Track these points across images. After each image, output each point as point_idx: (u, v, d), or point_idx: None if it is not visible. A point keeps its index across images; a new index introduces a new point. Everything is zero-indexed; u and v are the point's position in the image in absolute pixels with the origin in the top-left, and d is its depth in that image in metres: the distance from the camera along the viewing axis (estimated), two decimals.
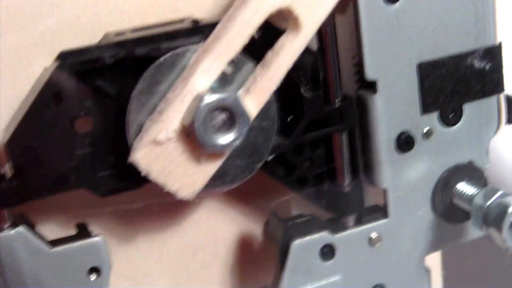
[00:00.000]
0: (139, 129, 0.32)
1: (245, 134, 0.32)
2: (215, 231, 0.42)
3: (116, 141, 0.33)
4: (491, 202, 0.37)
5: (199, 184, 0.33)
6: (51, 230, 0.37)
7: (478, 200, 0.37)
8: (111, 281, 0.39)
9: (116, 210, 0.38)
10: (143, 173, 0.32)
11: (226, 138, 0.32)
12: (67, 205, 0.37)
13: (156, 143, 0.32)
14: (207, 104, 0.31)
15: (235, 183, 0.34)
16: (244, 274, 0.43)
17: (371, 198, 0.40)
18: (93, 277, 0.34)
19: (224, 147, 0.32)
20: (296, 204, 0.41)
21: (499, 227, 0.36)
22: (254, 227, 0.42)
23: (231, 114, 0.32)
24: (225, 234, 0.42)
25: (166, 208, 0.40)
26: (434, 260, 0.47)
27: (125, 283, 0.41)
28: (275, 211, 0.39)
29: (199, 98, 0.31)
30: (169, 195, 0.33)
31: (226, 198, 0.41)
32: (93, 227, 0.37)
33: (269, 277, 0.40)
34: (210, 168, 0.33)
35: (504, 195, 0.37)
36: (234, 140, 0.32)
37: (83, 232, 0.35)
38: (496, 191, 0.37)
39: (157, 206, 0.38)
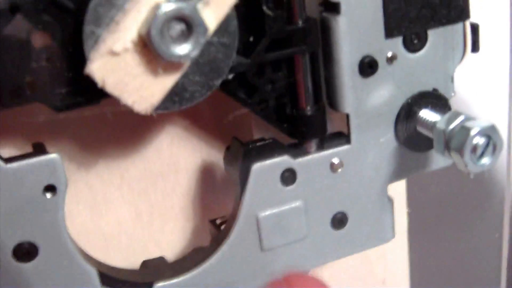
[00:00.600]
0: (96, 41, 0.31)
1: (201, 45, 0.31)
2: (177, 159, 0.41)
3: (74, 57, 0.33)
4: (454, 126, 0.36)
5: (156, 97, 0.32)
6: (9, 153, 0.36)
7: (440, 125, 0.37)
8: (72, 209, 0.39)
9: (72, 128, 0.37)
10: (99, 84, 0.31)
11: (183, 48, 0.31)
12: (24, 125, 0.37)
13: (113, 53, 0.31)
14: (165, 13, 0.30)
15: (194, 101, 0.34)
16: (205, 203, 0.43)
17: (334, 126, 0.40)
18: (48, 195, 0.34)
19: (180, 57, 0.31)
20: (258, 129, 0.40)
21: (460, 151, 0.36)
22: (216, 156, 0.42)
23: (189, 25, 0.31)
24: (187, 162, 0.42)
25: (125, 132, 0.39)
26: (399, 191, 0.47)
27: (85, 210, 0.40)
28: (237, 136, 0.39)
29: (156, 6, 0.30)
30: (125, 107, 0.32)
31: (189, 126, 0.41)
32: (52, 152, 0.36)
33: (230, 206, 0.39)
34: (168, 81, 0.32)
35: (466, 119, 0.36)
36: (191, 51, 0.31)
37: (39, 151, 0.35)
38: (458, 115, 0.37)
39: (111, 115, 0.37)
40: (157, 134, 0.40)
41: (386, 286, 0.50)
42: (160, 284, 0.37)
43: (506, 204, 0.52)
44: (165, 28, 0.30)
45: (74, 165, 0.39)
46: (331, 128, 0.39)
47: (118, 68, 0.31)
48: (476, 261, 0.58)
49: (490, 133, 0.36)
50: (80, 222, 0.40)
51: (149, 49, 0.31)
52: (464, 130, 0.36)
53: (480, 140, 0.36)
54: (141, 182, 0.41)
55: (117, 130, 0.39)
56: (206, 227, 0.42)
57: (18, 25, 0.32)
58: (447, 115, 0.37)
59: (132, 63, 0.31)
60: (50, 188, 0.34)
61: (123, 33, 0.31)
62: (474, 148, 0.36)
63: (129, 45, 0.31)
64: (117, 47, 0.31)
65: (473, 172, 0.36)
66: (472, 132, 0.35)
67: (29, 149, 0.36)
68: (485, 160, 0.36)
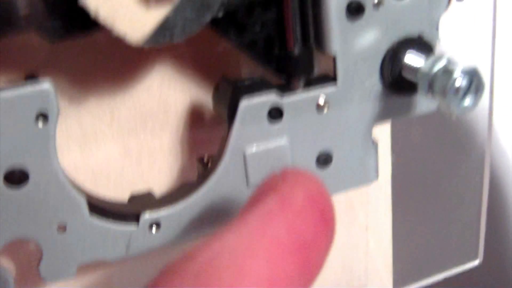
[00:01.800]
0: None
1: None
2: (167, 99, 0.42)
3: None
4: (437, 69, 0.37)
5: (148, 29, 0.33)
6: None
7: (424, 68, 0.38)
8: (62, 145, 0.39)
9: (65, 60, 0.38)
10: (92, 14, 0.32)
11: None
12: (17, 58, 0.37)
13: None
14: None
15: (184, 36, 0.35)
16: (194, 142, 0.43)
17: (321, 69, 0.41)
18: (40, 124, 0.34)
19: None
20: (247, 70, 0.41)
21: (443, 93, 0.37)
22: (205, 97, 0.43)
23: None
24: (177, 102, 0.42)
25: (117, 69, 0.40)
26: (383, 139, 0.48)
27: (75, 146, 0.41)
28: (225, 75, 0.40)
29: None
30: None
31: (179, 66, 0.41)
32: None
33: (217, 146, 0.40)
34: (159, 12, 0.33)
35: (450, 62, 0.37)
36: None
37: (32, 81, 0.35)
38: (442, 58, 0.38)
39: (107, 47, 0.38)
40: (148, 73, 0.41)
41: (369, 233, 0.52)
42: (148, 214, 0.38)
43: (486, 149, 0.53)
44: None
45: (66, 100, 0.40)
46: (318, 72, 0.40)
47: None
48: (457, 204, 0.59)
49: (472, 75, 0.37)
50: (70, 158, 0.41)
51: None
52: (447, 72, 0.37)
53: (462, 82, 0.36)
54: (131, 121, 0.42)
55: (109, 68, 0.40)
56: (194, 165, 0.43)
57: None
58: (431, 59, 0.38)
59: None
60: (42, 117, 0.34)
61: None
62: (457, 89, 0.36)
63: None
64: None
65: (456, 114, 0.37)
66: (455, 74, 0.36)
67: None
68: (468, 102, 0.37)
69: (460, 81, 0.37)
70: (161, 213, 0.38)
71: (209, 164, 0.41)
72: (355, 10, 0.38)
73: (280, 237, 0.29)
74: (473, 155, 0.56)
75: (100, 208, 0.38)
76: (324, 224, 0.32)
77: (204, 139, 0.44)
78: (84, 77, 0.40)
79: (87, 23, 0.33)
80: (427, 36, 0.40)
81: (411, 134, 0.54)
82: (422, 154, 0.56)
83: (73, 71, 0.39)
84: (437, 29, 0.41)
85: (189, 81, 0.42)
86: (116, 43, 0.34)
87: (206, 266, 0.28)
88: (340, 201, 0.47)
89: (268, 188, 0.32)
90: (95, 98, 0.41)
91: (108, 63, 0.40)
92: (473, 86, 0.37)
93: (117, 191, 0.43)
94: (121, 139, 0.42)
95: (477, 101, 0.37)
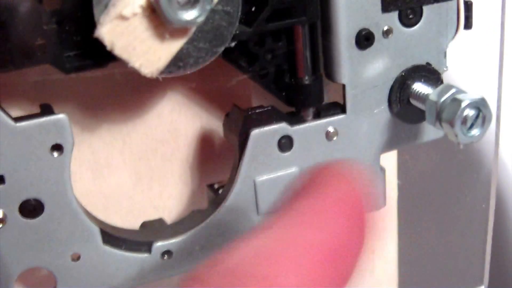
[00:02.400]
0: (106, 6, 0.33)
1: (207, 11, 0.33)
2: (178, 125, 0.43)
3: (83, 20, 0.34)
4: (445, 98, 0.38)
5: (163, 61, 0.34)
6: (17, 114, 0.37)
7: (433, 97, 0.38)
8: (75, 171, 0.40)
9: (79, 91, 0.39)
10: (108, 47, 0.33)
11: (189, 14, 0.32)
12: (32, 87, 0.38)
13: (122, 18, 0.32)
14: None
15: (198, 66, 0.35)
16: (204, 169, 0.44)
17: (331, 97, 0.41)
18: (55, 154, 0.35)
19: (187, 23, 0.32)
20: (257, 99, 0.41)
21: (451, 122, 0.37)
22: (215, 124, 0.43)
23: None
24: (187, 128, 0.43)
25: (129, 97, 0.40)
26: (390, 163, 0.49)
27: (87, 172, 0.42)
28: (237, 104, 0.40)
29: None
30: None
31: (190, 93, 0.42)
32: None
33: (227, 173, 0.41)
34: (174, 45, 0.33)
35: (458, 92, 0.38)
36: (197, 17, 0.32)
37: (47, 111, 0.36)
38: (450, 87, 0.38)
39: (120, 76, 0.39)
40: (159, 100, 0.41)
41: (375, 256, 0.52)
42: (159, 243, 0.38)
43: (493, 176, 0.53)
44: None
45: (79, 128, 0.40)
46: (327, 98, 0.41)
47: (126, 32, 0.32)
48: (463, 230, 0.59)
49: (480, 106, 0.37)
50: (82, 184, 0.41)
51: (157, 14, 0.32)
52: (455, 102, 0.37)
53: (470, 112, 0.37)
54: (142, 147, 0.42)
55: (120, 96, 0.40)
56: (203, 192, 0.44)
57: None
58: (440, 88, 0.39)
59: (140, 28, 0.33)
60: (57, 147, 0.35)
61: None
62: (465, 119, 0.37)
63: (138, 10, 0.32)
64: (127, 12, 0.32)
65: (463, 143, 0.38)
66: (463, 104, 0.37)
67: (36, 111, 0.37)
68: (475, 132, 0.38)
69: (468, 111, 0.37)
70: (172, 242, 0.39)
71: (220, 191, 0.42)
72: (364, 39, 0.39)
73: (312, 240, 0.28)
74: (479, 181, 0.56)
75: (113, 236, 0.38)
76: (357, 230, 0.30)
77: (215, 166, 0.44)
78: (97, 105, 0.40)
79: (102, 55, 0.34)
80: (435, 64, 0.41)
81: (417, 160, 0.55)
82: (428, 179, 0.57)
83: (86, 99, 0.40)
84: (444, 56, 0.41)
85: (200, 108, 0.43)
86: (128, 72, 0.34)
87: (231, 273, 0.26)
88: None
89: (305, 187, 0.30)
90: (107, 125, 0.41)
91: (120, 90, 0.40)
92: (480, 116, 0.37)
93: (128, 217, 0.43)
94: (132, 165, 0.43)
95: (484, 130, 0.38)
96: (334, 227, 0.28)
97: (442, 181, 0.57)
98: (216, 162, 0.44)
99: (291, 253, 0.27)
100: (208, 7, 0.33)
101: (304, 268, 0.27)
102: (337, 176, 0.31)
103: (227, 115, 0.41)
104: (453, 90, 0.38)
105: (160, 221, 0.42)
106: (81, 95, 0.40)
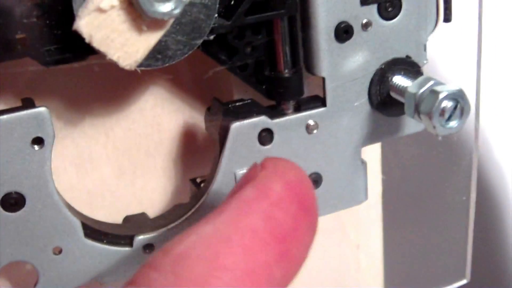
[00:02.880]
0: None
1: (184, 4, 0.33)
2: (160, 120, 0.43)
3: (63, 14, 0.34)
4: (424, 90, 0.38)
5: (141, 53, 0.34)
6: None
7: (411, 89, 0.39)
8: (58, 166, 0.40)
9: (61, 85, 0.39)
10: (86, 40, 0.33)
11: (166, 7, 0.33)
12: (13, 82, 0.38)
13: (100, 10, 0.32)
14: None
15: (176, 59, 0.35)
16: (187, 163, 0.44)
17: (310, 92, 0.42)
18: (36, 147, 0.35)
19: (164, 15, 0.33)
20: (237, 93, 0.42)
21: (429, 114, 0.37)
22: (197, 118, 0.43)
23: None
24: (170, 123, 0.43)
25: (111, 92, 0.41)
26: (373, 157, 0.49)
27: (70, 167, 0.42)
28: (217, 97, 0.40)
29: None
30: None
31: (173, 87, 0.42)
32: None
33: (210, 167, 0.41)
34: (152, 38, 0.34)
35: (436, 84, 0.38)
36: (173, 9, 0.33)
37: (28, 105, 0.36)
38: (429, 79, 0.38)
39: (98, 67, 0.39)
40: (142, 95, 0.42)
41: (360, 251, 0.52)
42: (141, 237, 0.39)
43: (473, 168, 0.54)
44: None
45: (61, 122, 0.40)
46: (308, 92, 0.41)
47: (104, 24, 0.33)
48: (445, 221, 0.60)
49: (458, 97, 0.37)
50: (65, 179, 0.42)
51: (134, 7, 0.32)
52: (433, 94, 0.38)
53: (448, 104, 0.37)
54: (125, 141, 0.42)
55: (103, 90, 0.41)
56: (186, 187, 0.44)
57: None
58: (418, 80, 0.39)
59: (118, 20, 0.33)
60: (38, 140, 0.35)
61: None
62: (442, 111, 0.37)
63: (116, 2, 0.32)
64: (104, 4, 0.32)
65: (441, 135, 0.38)
66: (441, 96, 0.37)
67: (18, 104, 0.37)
68: (453, 123, 0.38)
69: (445, 103, 0.37)
70: (154, 235, 0.39)
71: (202, 185, 0.42)
72: (343, 32, 0.39)
73: (256, 226, 0.29)
74: (460, 173, 0.56)
75: (95, 230, 0.38)
76: (304, 213, 0.31)
77: (198, 160, 0.44)
78: (79, 99, 0.41)
79: (81, 48, 0.34)
80: (414, 57, 0.41)
81: (400, 154, 0.55)
82: (411, 173, 0.57)
83: (68, 93, 0.40)
84: (424, 50, 0.42)
85: (182, 102, 0.43)
86: (110, 66, 0.35)
87: (181, 258, 0.28)
88: (331, 220, 0.47)
89: (247, 178, 0.32)
90: (90, 120, 0.41)
91: (102, 85, 0.41)
92: (458, 108, 0.38)
93: (111, 211, 0.43)
94: (115, 160, 0.43)
95: (462, 122, 0.38)
96: (280, 210, 0.30)
97: (424, 175, 0.58)
98: (199, 156, 0.44)
99: (237, 237, 0.28)
100: (185, 0, 0.33)
101: (249, 249, 0.28)
102: (284, 163, 0.32)
103: (208, 110, 0.41)
104: (431, 82, 0.38)
105: (142, 215, 0.42)
106: (64, 90, 0.40)
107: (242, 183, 0.32)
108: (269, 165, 0.32)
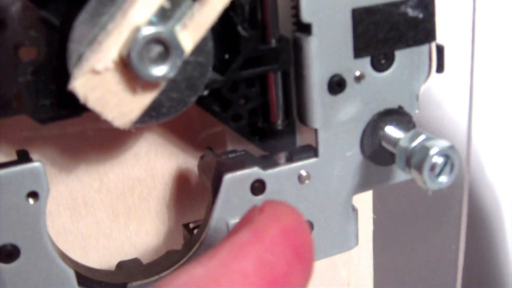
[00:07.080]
0: (80, 59, 0.33)
1: (178, 67, 0.33)
2: (154, 165, 0.43)
3: (58, 71, 0.35)
4: (415, 145, 0.39)
5: (135, 113, 0.34)
6: None
7: (402, 143, 0.39)
8: (52, 210, 0.41)
9: (56, 135, 0.39)
10: (81, 100, 0.33)
11: (160, 70, 0.33)
12: (7, 133, 0.39)
13: (95, 72, 0.33)
14: (144, 36, 0.32)
15: (171, 115, 0.36)
16: (180, 208, 0.45)
17: (303, 140, 0.42)
18: (31, 201, 0.36)
19: (158, 78, 0.33)
20: (231, 141, 0.42)
21: (420, 169, 0.38)
22: (191, 163, 0.44)
23: (167, 47, 0.33)
24: (164, 168, 0.44)
25: (106, 139, 0.41)
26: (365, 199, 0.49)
27: (65, 212, 0.42)
28: (211, 147, 0.41)
29: (136, 30, 0.32)
30: (105, 122, 0.34)
31: (166, 134, 0.43)
32: (35, 157, 0.39)
33: (203, 211, 0.41)
34: (145, 98, 0.34)
35: (427, 139, 0.38)
36: (168, 72, 0.33)
37: (23, 158, 0.37)
38: (420, 134, 0.39)
39: (92, 132, 0.39)
40: (136, 141, 0.42)
41: None
42: (134, 284, 0.39)
43: (463, 217, 0.54)
44: (144, 51, 0.32)
45: (56, 169, 0.41)
46: (300, 141, 0.41)
47: (99, 86, 0.33)
48: (435, 259, 0.60)
49: (448, 153, 0.38)
50: (60, 223, 0.42)
51: (129, 69, 0.33)
52: (424, 149, 0.38)
53: (438, 160, 0.38)
54: (119, 186, 0.43)
55: (97, 137, 0.41)
56: (179, 230, 0.44)
57: (6, 41, 0.34)
58: (410, 134, 0.39)
59: (113, 82, 0.33)
60: (33, 195, 0.35)
61: (105, 53, 0.33)
62: (433, 166, 0.38)
63: (110, 64, 0.33)
64: (99, 66, 0.33)
65: (431, 189, 0.38)
66: (432, 152, 0.38)
67: (13, 155, 0.38)
68: (443, 179, 0.38)
69: (436, 158, 0.38)
70: (146, 283, 0.39)
71: (195, 231, 0.43)
72: (336, 85, 0.39)
73: (247, 270, 0.29)
74: (449, 220, 0.57)
75: (88, 279, 0.39)
76: (298, 259, 0.31)
77: (191, 204, 0.45)
78: (74, 147, 0.41)
79: (76, 106, 0.34)
80: (407, 107, 0.42)
81: (392, 195, 0.55)
82: (402, 216, 0.57)
83: (63, 142, 0.41)
84: (417, 99, 0.42)
85: (176, 148, 0.43)
86: (103, 125, 0.35)
87: None
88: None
89: (245, 220, 0.32)
90: (85, 166, 0.42)
91: (96, 132, 0.41)
92: (448, 164, 0.38)
93: (105, 254, 0.44)
94: (109, 204, 0.43)
95: (452, 177, 0.38)
96: (273, 255, 0.30)
97: (415, 218, 0.58)
98: (192, 201, 0.45)
99: (226, 280, 0.28)
100: (179, 62, 0.33)
101: None
102: (283, 207, 0.32)
103: (201, 158, 0.41)
104: (422, 137, 0.39)
105: (135, 261, 0.43)
106: (58, 138, 0.40)
107: (239, 226, 0.32)
108: (268, 209, 0.32)
